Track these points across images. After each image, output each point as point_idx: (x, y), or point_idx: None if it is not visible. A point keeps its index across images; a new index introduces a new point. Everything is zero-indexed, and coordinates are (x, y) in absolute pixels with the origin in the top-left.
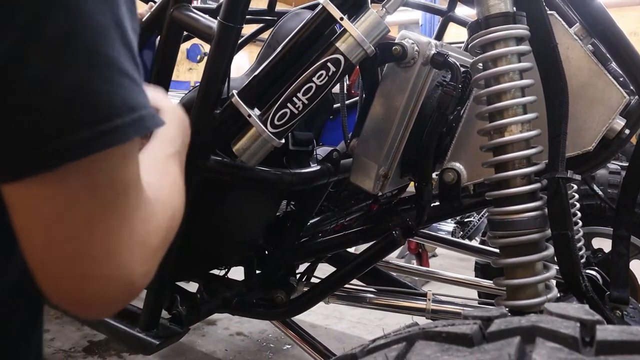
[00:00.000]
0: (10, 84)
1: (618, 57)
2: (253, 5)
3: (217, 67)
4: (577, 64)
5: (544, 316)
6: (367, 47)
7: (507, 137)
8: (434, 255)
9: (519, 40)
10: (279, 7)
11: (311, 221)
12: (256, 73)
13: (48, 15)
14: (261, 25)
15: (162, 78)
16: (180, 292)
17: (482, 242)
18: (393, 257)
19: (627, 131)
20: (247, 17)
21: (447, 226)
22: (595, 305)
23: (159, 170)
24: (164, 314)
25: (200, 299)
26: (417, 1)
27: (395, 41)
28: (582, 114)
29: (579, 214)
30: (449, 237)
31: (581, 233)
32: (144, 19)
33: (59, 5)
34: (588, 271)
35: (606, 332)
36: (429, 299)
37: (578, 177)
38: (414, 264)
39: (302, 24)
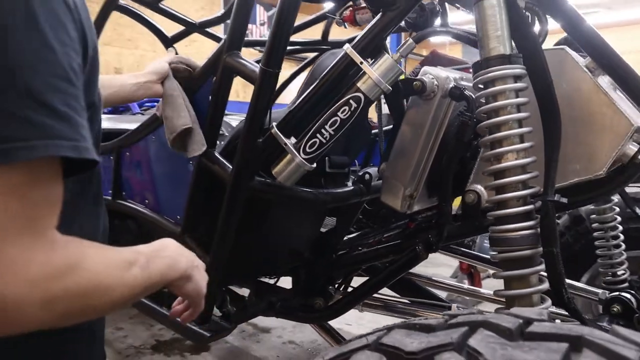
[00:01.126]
0: None
1: (626, 88)
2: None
3: (260, 104)
4: (587, 95)
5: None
6: (384, 87)
7: (504, 164)
8: (488, 276)
9: (517, 78)
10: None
11: (350, 236)
12: (292, 108)
13: None
14: (317, 54)
15: (217, 114)
16: (231, 294)
17: None
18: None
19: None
20: (305, 47)
21: None
22: (577, 316)
23: (121, 256)
24: (216, 311)
25: (248, 301)
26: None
27: (417, 77)
28: (593, 140)
29: (622, 237)
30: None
31: (624, 256)
32: (202, 66)
33: None
34: (623, 293)
35: (539, 327)
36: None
37: (565, 200)
38: (466, 284)
39: (330, 66)
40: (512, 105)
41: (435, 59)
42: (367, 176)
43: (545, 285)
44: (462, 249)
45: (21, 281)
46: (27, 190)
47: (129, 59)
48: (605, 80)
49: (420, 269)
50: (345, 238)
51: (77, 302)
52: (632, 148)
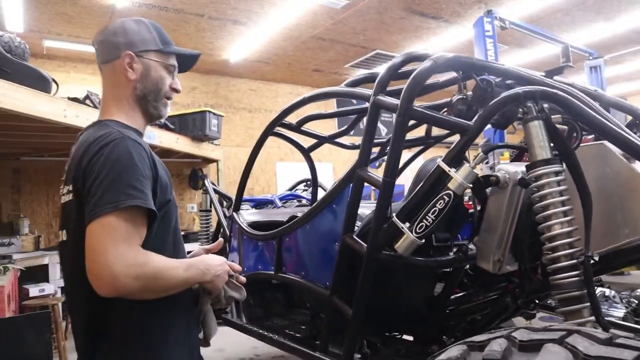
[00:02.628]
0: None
1: None
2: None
3: (384, 202)
4: (626, 175)
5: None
6: (466, 185)
7: (552, 232)
8: None
9: (557, 172)
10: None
11: (456, 296)
12: (405, 203)
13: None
14: (423, 146)
15: (353, 210)
16: (368, 341)
17: None
18: None
19: None
20: (414, 143)
21: (618, 312)
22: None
23: (173, 263)
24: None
25: (379, 347)
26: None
27: (493, 173)
28: (636, 210)
29: None
30: (620, 321)
31: None
32: (341, 178)
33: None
34: None
35: (624, 340)
36: None
37: (596, 257)
38: None
39: (429, 173)
40: (555, 192)
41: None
42: (464, 247)
43: (591, 317)
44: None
45: (123, 265)
46: (126, 224)
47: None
48: (638, 165)
49: None
50: (453, 297)
51: (149, 280)
52: None
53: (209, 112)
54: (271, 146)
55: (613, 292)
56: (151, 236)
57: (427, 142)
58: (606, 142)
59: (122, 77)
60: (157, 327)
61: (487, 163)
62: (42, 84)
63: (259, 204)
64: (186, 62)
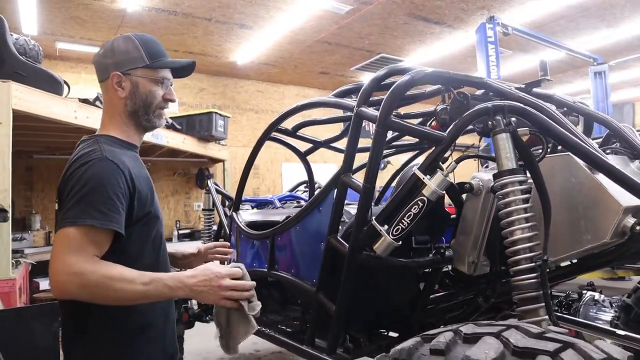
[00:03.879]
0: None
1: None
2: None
3: (364, 207)
4: (588, 185)
5: None
6: (439, 192)
7: (514, 237)
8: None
9: (521, 182)
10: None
11: (437, 295)
12: (384, 207)
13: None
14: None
15: (338, 213)
16: (351, 337)
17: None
18: None
19: (638, 227)
20: (399, 151)
21: (605, 316)
22: None
23: (131, 274)
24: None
25: (362, 342)
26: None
27: (467, 181)
28: (598, 217)
29: None
30: (605, 325)
31: None
32: (327, 183)
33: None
34: None
35: (467, 327)
36: None
37: (552, 260)
38: None
39: (407, 179)
40: (518, 199)
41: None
42: (442, 250)
43: (545, 317)
44: (568, 316)
45: (66, 273)
46: (81, 237)
47: (264, 157)
48: (600, 176)
49: None
50: (433, 296)
51: (94, 288)
52: (629, 221)
53: (216, 113)
54: (277, 147)
55: (603, 297)
56: (130, 244)
57: (423, 147)
58: (571, 154)
59: (113, 95)
60: (134, 325)
61: (486, 167)
62: (54, 86)
63: (259, 204)
64: (183, 70)
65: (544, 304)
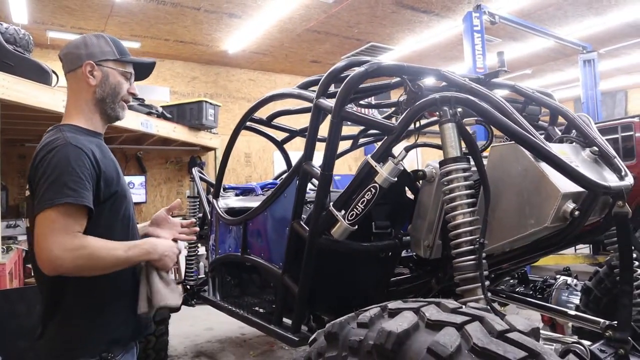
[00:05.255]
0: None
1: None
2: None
3: (322, 193)
4: (532, 172)
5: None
6: (390, 180)
7: (456, 221)
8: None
9: (465, 169)
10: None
11: (399, 278)
12: (341, 194)
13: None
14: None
15: (301, 198)
16: (315, 317)
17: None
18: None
19: (576, 212)
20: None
21: (575, 299)
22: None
23: (112, 245)
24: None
25: (325, 322)
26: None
27: (420, 168)
28: (540, 203)
29: None
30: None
31: None
32: (291, 170)
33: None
34: None
35: (396, 304)
36: None
37: (486, 241)
38: None
39: (361, 166)
40: (461, 186)
41: None
42: (400, 235)
43: (481, 296)
44: (540, 302)
45: (61, 249)
46: (63, 216)
47: (255, 145)
48: (543, 164)
49: None
50: (396, 279)
51: (86, 260)
52: (569, 206)
53: (206, 102)
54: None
55: (575, 281)
56: (100, 222)
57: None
58: (516, 144)
59: (83, 83)
60: (107, 295)
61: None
62: (42, 75)
63: (243, 192)
64: (143, 71)
65: (480, 284)
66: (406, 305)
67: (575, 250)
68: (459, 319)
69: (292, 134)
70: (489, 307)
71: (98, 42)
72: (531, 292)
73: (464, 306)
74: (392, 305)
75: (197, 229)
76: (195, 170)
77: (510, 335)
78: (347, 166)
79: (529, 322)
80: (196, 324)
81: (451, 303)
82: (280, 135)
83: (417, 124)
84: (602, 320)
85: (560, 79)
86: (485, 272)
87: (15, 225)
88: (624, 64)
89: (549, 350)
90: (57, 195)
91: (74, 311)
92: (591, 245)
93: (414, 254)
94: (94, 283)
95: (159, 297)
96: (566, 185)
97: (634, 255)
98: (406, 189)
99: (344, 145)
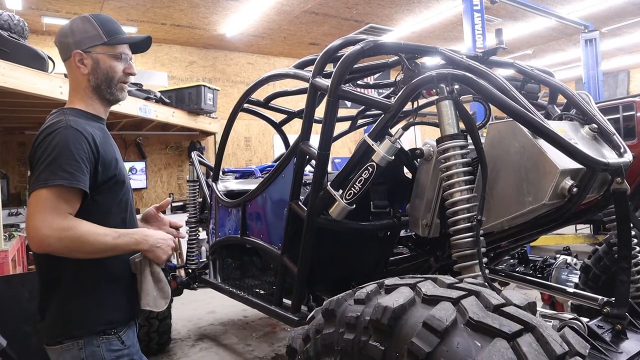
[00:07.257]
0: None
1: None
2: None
3: (320, 173)
4: (530, 149)
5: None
6: (387, 158)
7: (454, 199)
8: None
9: (462, 147)
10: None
11: (398, 257)
12: (339, 173)
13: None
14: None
15: (298, 178)
16: (315, 296)
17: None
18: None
19: (574, 189)
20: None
21: (575, 278)
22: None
23: (102, 230)
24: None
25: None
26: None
27: (418, 146)
28: (538, 180)
29: None
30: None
31: None
32: (287, 151)
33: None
34: None
35: (391, 280)
36: None
37: (483, 218)
38: None
39: (358, 145)
40: (458, 163)
41: None
42: (398, 214)
43: (479, 273)
44: (540, 280)
45: (47, 229)
46: (55, 197)
47: (255, 129)
48: (541, 141)
49: None
50: (395, 258)
51: (73, 242)
52: (567, 183)
53: (204, 86)
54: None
55: (575, 260)
56: (97, 206)
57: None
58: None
59: (77, 72)
60: (104, 278)
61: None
62: (39, 62)
63: (242, 175)
64: (140, 46)
65: (477, 261)
66: (403, 281)
67: (576, 230)
68: (455, 293)
69: (290, 115)
70: (485, 283)
71: (84, 27)
72: (531, 272)
73: (460, 283)
74: (388, 281)
75: (184, 234)
76: (194, 154)
77: (506, 309)
78: (347, 149)
79: (526, 296)
80: (199, 308)
81: (448, 279)
82: (279, 117)
83: (416, 104)
84: (600, 297)
85: (561, 59)
86: (484, 250)
87: (17, 213)
88: (626, 43)
89: (545, 323)
90: (52, 176)
91: (72, 292)
92: (591, 225)
93: (413, 233)
94: (91, 265)
95: (145, 300)
96: (564, 162)
97: (632, 233)
98: (404, 168)
99: (343, 126)
